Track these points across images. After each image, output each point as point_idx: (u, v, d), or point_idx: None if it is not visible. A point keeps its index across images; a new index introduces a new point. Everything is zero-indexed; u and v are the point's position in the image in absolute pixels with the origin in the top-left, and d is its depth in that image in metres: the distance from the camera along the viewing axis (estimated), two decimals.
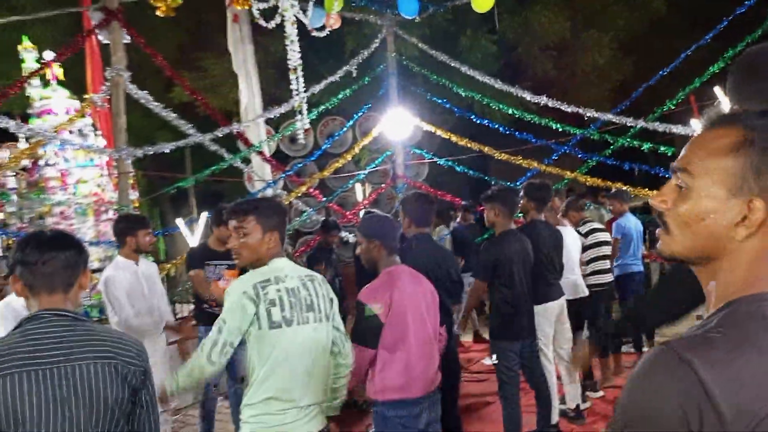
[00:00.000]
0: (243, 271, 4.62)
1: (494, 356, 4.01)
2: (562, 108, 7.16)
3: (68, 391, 1.56)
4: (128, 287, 3.80)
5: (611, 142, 7.40)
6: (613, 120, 7.05)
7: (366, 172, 9.30)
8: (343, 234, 7.84)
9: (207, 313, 4.49)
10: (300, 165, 8.63)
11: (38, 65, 6.76)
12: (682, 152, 0.93)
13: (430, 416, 2.77)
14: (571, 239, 4.93)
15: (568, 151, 7.79)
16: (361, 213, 6.82)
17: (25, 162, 6.57)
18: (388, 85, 8.48)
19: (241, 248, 2.28)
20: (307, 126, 6.86)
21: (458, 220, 7.50)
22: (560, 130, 7.45)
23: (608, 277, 5.52)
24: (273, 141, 8.45)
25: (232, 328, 2.14)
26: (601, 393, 5.33)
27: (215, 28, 10.73)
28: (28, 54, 6.95)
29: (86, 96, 6.31)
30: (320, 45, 9.58)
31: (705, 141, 0.90)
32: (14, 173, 6.50)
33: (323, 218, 7.26)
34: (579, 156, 7.70)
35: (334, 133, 9.60)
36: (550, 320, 4.37)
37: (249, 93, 7.47)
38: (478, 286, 4.03)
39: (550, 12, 9.74)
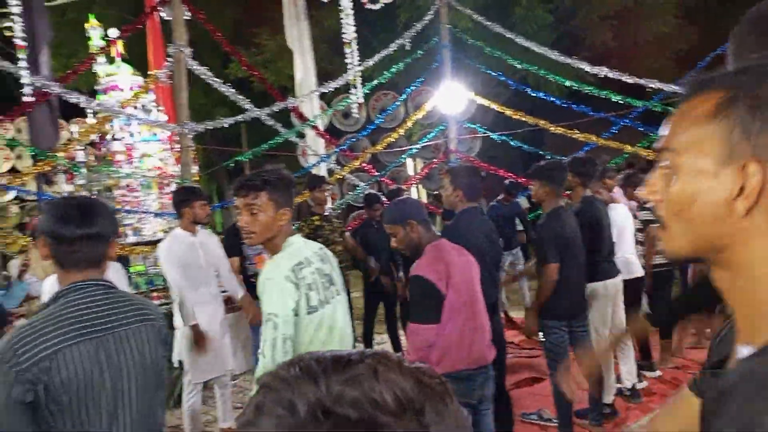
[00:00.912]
0: None
1: (541, 334, 3.97)
2: (623, 79, 6.88)
3: (125, 355, 1.63)
4: (183, 259, 3.90)
5: None
6: (679, 91, 6.71)
7: (419, 146, 9.26)
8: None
9: (253, 286, 4.64)
10: (353, 140, 8.66)
11: (104, 42, 7.01)
12: (664, 130, 0.81)
13: (483, 392, 2.78)
14: (624, 216, 4.80)
15: (629, 124, 7.49)
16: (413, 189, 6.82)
17: (93, 136, 6.88)
18: (441, 58, 8.35)
19: (252, 226, 2.10)
20: (361, 100, 6.87)
21: (500, 197, 7.38)
22: (621, 102, 7.16)
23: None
24: (327, 115, 8.51)
25: (285, 319, 1.99)
26: (658, 373, 5.23)
27: (270, 4, 10.82)
28: (94, 32, 7.21)
29: (150, 72, 6.52)
30: (373, 18, 9.52)
31: (685, 111, 0.78)
32: (83, 147, 6.81)
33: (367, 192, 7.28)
34: (641, 129, 7.39)
35: (386, 108, 9.59)
36: (609, 298, 4.29)
37: (303, 68, 7.53)
38: (551, 271, 3.73)
39: None
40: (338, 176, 8.00)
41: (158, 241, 6.64)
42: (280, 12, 9.79)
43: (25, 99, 4.76)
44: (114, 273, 3.77)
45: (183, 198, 4.03)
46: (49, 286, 3.50)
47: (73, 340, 1.55)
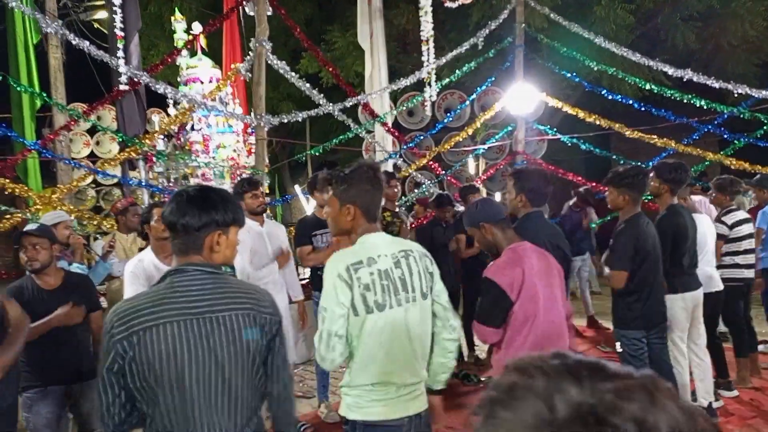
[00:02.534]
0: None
1: (618, 344, 3.84)
2: (709, 83, 6.56)
3: (216, 339, 1.66)
4: (251, 246, 4.01)
5: (765, 122, 6.67)
6: None
7: (485, 147, 9.16)
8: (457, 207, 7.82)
9: (319, 278, 4.70)
10: (421, 137, 8.66)
11: (186, 36, 7.28)
12: None
13: None
14: (707, 227, 4.59)
15: (711, 131, 7.15)
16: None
17: (174, 126, 7.17)
18: (513, 58, 8.22)
19: (328, 219, 2.30)
20: (434, 98, 6.85)
21: (571, 202, 7.17)
22: (705, 107, 6.83)
23: (749, 272, 5.10)
24: (398, 112, 8.55)
25: (334, 316, 2.03)
26: (735, 392, 4.98)
27: (341, 2, 10.98)
28: (179, 24, 7.50)
29: (232, 65, 6.73)
30: (444, 17, 9.47)
31: None
32: (164, 137, 7.10)
33: (438, 192, 7.27)
34: (725, 137, 7.03)
35: (452, 107, 9.53)
36: (688, 311, 4.11)
37: (376, 65, 7.57)
38: (619, 279, 3.61)
39: None
40: (404, 174, 8.02)
41: None
42: (351, 10, 9.91)
43: (121, 87, 5.00)
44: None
45: (237, 189, 4.19)
46: (131, 266, 3.65)
47: (163, 320, 1.62)
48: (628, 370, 0.50)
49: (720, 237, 4.88)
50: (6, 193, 5.06)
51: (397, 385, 2.13)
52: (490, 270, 2.61)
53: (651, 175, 4.04)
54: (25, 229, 3.17)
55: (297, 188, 6.78)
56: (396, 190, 5.23)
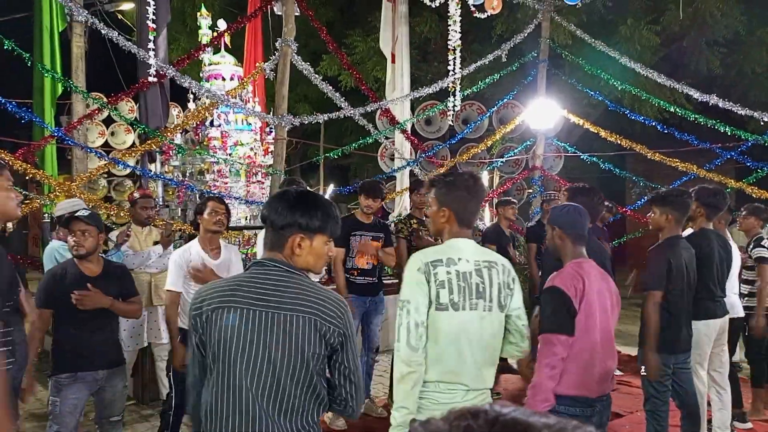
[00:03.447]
0: (386, 244, 4.76)
1: (642, 368, 3.77)
2: (734, 110, 6.50)
3: (272, 336, 1.66)
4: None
5: None
6: None
7: (503, 160, 9.11)
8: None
9: (348, 281, 4.67)
10: (439, 146, 8.62)
11: (211, 32, 7.27)
12: None
13: (601, 420, 2.66)
14: (734, 253, 4.52)
15: (734, 158, 7.09)
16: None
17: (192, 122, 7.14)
18: (536, 72, 8.18)
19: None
20: (458, 108, 6.82)
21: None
22: (729, 133, 6.78)
23: None
24: (418, 119, 8.52)
25: (418, 306, 2.11)
26: (749, 425, 4.89)
27: (365, 7, 10.98)
28: (204, 20, 7.49)
29: (257, 64, 6.71)
30: (467, 28, 9.45)
31: None
32: (183, 131, 7.07)
33: None
34: (747, 164, 6.97)
35: (469, 118, 9.48)
36: (711, 338, 4.04)
37: (398, 72, 7.54)
38: (654, 298, 3.53)
39: (724, 4, 8.83)
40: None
41: (243, 227, 6.86)
42: (373, 15, 9.90)
43: (150, 80, 4.97)
44: (234, 256, 3.95)
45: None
46: (176, 255, 3.77)
47: (229, 304, 1.69)
48: (556, 424, 0.46)
49: (764, 261, 4.77)
50: (27, 178, 5.04)
51: (464, 388, 2.16)
52: (554, 279, 2.61)
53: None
54: (77, 214, 3.23)
55: (331, 187, 6.83)
56: (425, 198, 5.19)
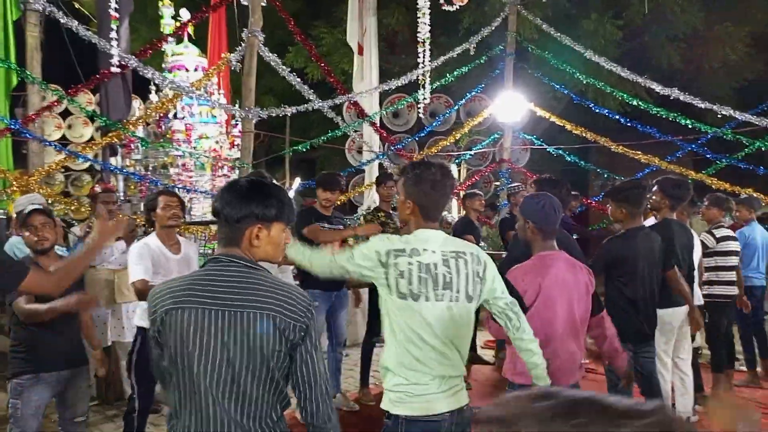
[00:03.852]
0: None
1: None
2: (695, 103, 6.69)
3: (230, 335, 1.60)
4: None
5: (746, 144, 6.83)
6: (752, 121, 6.51)
7: (472, 153, 9.17)
8: (444, 213, 7.81)
9: (313, 278, 4.60)
10: (409, 140, 8.61)
11: (173, 22, 7.08)
12: None
13: None
14: (695, 242, 4.66)
15: (695, 150, 7.30)
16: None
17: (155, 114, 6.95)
18: (503, 66, 8.24)
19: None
20: (428, 100, 6.81)
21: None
22: (690, 126, 6.97)
23: (733, 290, 5.20)
24: (387, 113, 8.48)
25: (357, 265, 2.19)
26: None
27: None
28: (167, 10, 7.29)
29: (222, 54, 6.56)
30: (434, 20, 9.45)
31: None
32: (146, 123, 6.88)
33: None
34: (707, 156, 7.19)
35: (437, 111, 9.50)
36: (675, 326, 4.15)
37: (367, 64, 7.49)
38: None
39: (684, 0, 9.07)
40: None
41: (209, 222, 6.73)
42: (339, 7, 9.82)
43: (113, 70, 4.80)
44: (193, 252, 3.83)
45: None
46: (136, 248, 3.58)
47: (184, 304, 1.62)
48: (635, 405, 0.46)
49: (704, 248, 4.95)
50: None
51: (433, 376, 2.16)
52: (512, 272, 2.62)
53: (654, 189, 4.07)
54: (33, 208, 3.09)
55: (297, 181, 6.69)
56: (393, 191, 5.18)
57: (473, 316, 2.28)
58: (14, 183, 4.94)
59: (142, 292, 3.43)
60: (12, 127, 5.16)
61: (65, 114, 9.67)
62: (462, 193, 7.76)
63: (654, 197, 4.13)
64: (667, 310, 4.05)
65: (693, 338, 4.98)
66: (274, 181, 3.37)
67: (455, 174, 10.99)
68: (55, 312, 2.94)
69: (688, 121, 6.92)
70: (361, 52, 8.49)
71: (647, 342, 3.82)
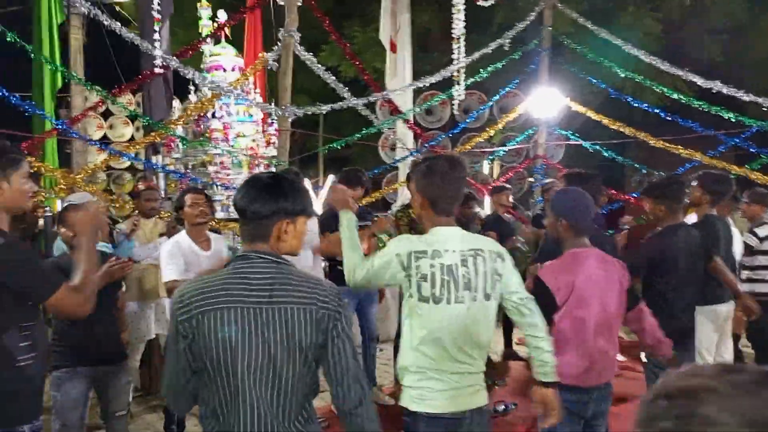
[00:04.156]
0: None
1: (642, 354, 3.77)
2: (738, 96, 6.49)
3: (270, 331, 1.62)
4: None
5: None
6: None
7: (506, 149, 9.10)
8: (477, 210, 7.77)
9: (340, 273, 4.62)
10: (442, 137, 8.59)
11: (211, 23, 7.21)
12: None
13: (598, 408, 2.64)
14: (736, 240, 4.54)
15: (738, 144, 7.09)
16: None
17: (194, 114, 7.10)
18: (538, 61, 8.15)
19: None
20: (462, 97, 6.79)
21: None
22: (733, 120, 6.78)
23: None
24: (421, 110, 8.48)
25: (377, 274, 2.16)
26: None
27: None
28: (204, 11, 7.43)
29: (259, 54, 6.67)
30: (467, 17, 9.40)
31: None
32: (187, 123, 7.03)
33: None
34: (752, 150, 6.97)
35: (470, 108, 9.45)
36: (717, 324, 4.05)
37: (400, 61, 7.51)
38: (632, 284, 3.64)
39: None
40: None
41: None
42: (372, 5, 9.84)
43: (156, 71, 4.93)
44: (224, 248, 3.88)
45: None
46: (168, 246, 3.64)
47: (221, 305, 1.60)
48: None
49: (747, 248, 4.82)
50: (32, 171, 4.99)
51: (452, 376, 2.14)
52: (544, 270, 2.58)
53: (694, 184, 3.98)
54: (72, 203, 3.17)
55: (307, 182, 6.72)
56: None
57: (494, 314, 2.24)
58: (62, 181, 5.12)
59: (173, 292, 3.53)
60: (59, 127, 5.35)
61: (105, 114, 9.96)
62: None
63: (694, 192, 4.04)
64: (710, 307, 3.97)
65: (738, 337, 4.85)
66: (306, 179, 3.40)
67: (487, 171, 10.94)
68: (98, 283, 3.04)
69: (730, 115, 6.73)
70: (394, 49, 8.50)
71: (686, 341, 3.76)
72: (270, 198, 1.67)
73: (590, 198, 2.72)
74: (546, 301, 2.48)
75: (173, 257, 3.53)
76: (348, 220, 2.40)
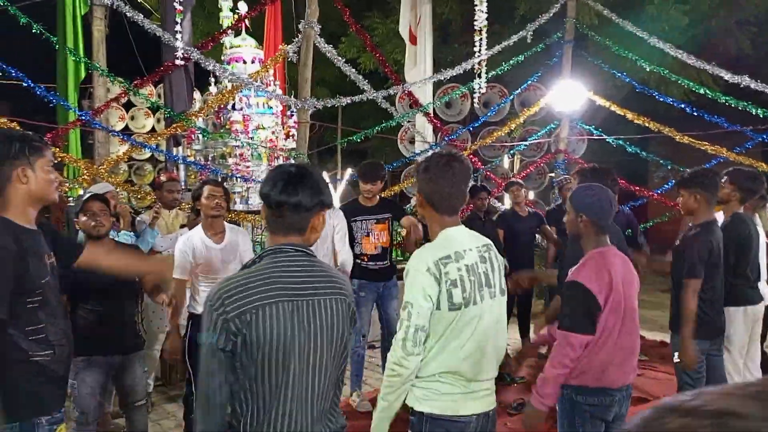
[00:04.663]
0: (390, 224, 4.69)
1: (676, 355, 3.70)
2: (767, 91, 6.32)
3: (314, 324, 1.63)
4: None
5: None
6: None
7: (527, 144, 8.99)
8: (494, 202, 7.70)
9: (358, 266, 4.61)
10: (462, 130, 8.51)
11: (231, 14, 7.21)
12: None
13: (620, 410, 2.61)
14: (762, 238, 4.43)
15: (766, 140, 6.92)
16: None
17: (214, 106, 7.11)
18: (561, 54, 8.02)
19: None
20: (484, 90, 6.71)
21: None
22: (762, 116, 6.61)
23: None
24: (441, 103, 8.40)
25: (421, 311, 2.00)
26: None
27: None
28: (225, 3, 7.43)
29: (280, 46, 6.65)
30: (489, 9, 9.28)
31: None
32: (207, 114, 7.05)
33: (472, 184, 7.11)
34: None
35: (491, 101, 9.34)
36: (748, 326, 3.96)
37: (420, 53, 7.43)
38: (695, 287, 3.41)
39: None
40: None
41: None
42: None
43: (177, 63, 4.94)
44: (241, 237, 3.88)
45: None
46: (180, 243, 3.66)
47: (274, 299, 1.59)
48: None
49: None
50: (56, 161, 5.04)
51: (466, 379, 2.08)
52: (578, 274, 2.51)
53: (724, 180, 3.89)
54: (93, 193, 3.21)
55: (324, 175, 6.72)
56: None
57: (505, 311, 2.23)
58: (85, 171, 5.17)
59: (178, 289, 3.58)
60: (83, 118, 5.40)
61: (127, 106, 10.02)
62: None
63: (724, 189, 3.94)
64: (741, 308, 3.88)
65: (764, 339, 4.74)
66: (324, 172, 3.38)
67: (508, 165, 10.82)
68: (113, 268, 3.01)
69: (759, 111, 6.56)
70: (414, 41, 8.42)
71: (718, 340, 3.69)
72: (312, 191, 1.67)
73: (612, 194, 2.66)
74: (586, 306, 2.44)
75: (183, 256, 3.59)
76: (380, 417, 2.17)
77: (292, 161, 6.27)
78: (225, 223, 3.81)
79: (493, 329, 2.13)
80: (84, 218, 3.17)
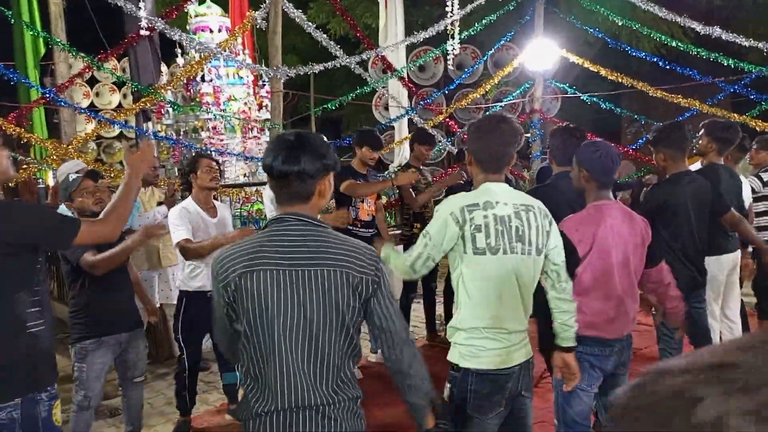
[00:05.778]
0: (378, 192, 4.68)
1: (653, 308, 3.78)
2: (739, 42, 6.36)
3: (307, 293, 1.62)
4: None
5: None
6: None
7: (503, 104, 8.95)
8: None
9: (353, 234, 4.60)
10: (437, 94, 8.42)
11: None
12: None
13: (619, 359, 2.68)
14: (744, 188, 4.51)
15: (737, 91, 6.99)
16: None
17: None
18: (533, 11, 7.93)
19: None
20: (457, 51, 6.62)
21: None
22: (733, 67, 6.66)
23: None
24: (413, 66, 8.28)
25: (436, 243, 2.15)
26: None
27: None
28: None
29: (247, 13, 6.44)
30: None
31: None
32: (175, 87, 6.85)
33: (457, 149, 7.10)
34: (752, 98, 6.87)
35: (464, 63, 9.24)
36: (723, 274, 4.06)
37: (391, 17, 7.28)
38: None
39: None
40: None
41: (243, 184, 6.76)
42: None
43: (141, 33, 4.76)
44: (227, 214, 3.88)
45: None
46: (176, 211, 3.64)
47: (258, 267, 1.61)
48: None
49: (752, 192, 4.78)
50: (22, 142, 4.88)
51: (508, 332, 2.17)
52: (565, 223, 2.57)
53: (700, 132, 3.92)
54: (88, 172, 3.22)
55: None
56: (426, 150, 5.15)
57: (539, 270, 2.28)
58: (53, 152, 4.99)
59: (187, 250, 3.53)
60: (47, 96, 5.19)
61: (91, 82, 9.69)
62: None
63: (701, 141, 3.99)
64: (715, 257, 3.95)
65: (741, 284, 4.88)
66: None
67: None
68: (128, 250, 3.06)
69: (729, 61, 6.61)
70: (385, 4, 8.24)
71: (698, 291, 3.74)
72: (314, 156, 1.65)
73: (616, 152, 2.68)
74: (571, 254, 2.47)
75: (182, 220, 3.57)
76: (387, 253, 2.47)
77: (267, 132, 6.15)
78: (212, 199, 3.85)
79: (528, 283, 2.21)
80: (80, 199, 3.14)
